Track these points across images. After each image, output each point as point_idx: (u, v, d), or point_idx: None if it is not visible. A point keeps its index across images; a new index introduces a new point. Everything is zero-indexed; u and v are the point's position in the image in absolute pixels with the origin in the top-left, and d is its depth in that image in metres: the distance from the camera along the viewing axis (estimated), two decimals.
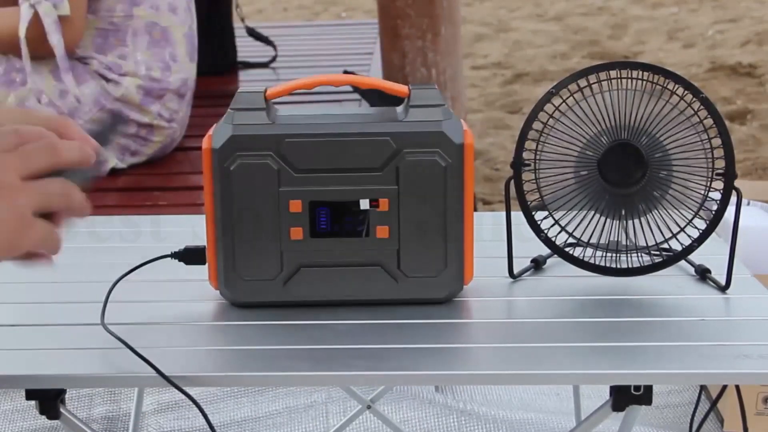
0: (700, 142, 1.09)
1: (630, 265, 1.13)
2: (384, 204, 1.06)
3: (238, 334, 1.05)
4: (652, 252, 1.13)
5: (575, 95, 1.11)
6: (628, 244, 1.12)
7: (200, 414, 1.01)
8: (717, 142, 1.09)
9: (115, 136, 0.92)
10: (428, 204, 1.06)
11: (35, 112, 0.89)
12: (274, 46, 3.40)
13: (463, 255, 1.08)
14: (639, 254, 1.13)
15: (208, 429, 1.05)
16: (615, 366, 0.97)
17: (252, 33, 3.43)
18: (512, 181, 1.13)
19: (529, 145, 1.12)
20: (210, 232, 1.07)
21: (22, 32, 2.11)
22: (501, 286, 1.16)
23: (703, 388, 1.46)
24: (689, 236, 1.11)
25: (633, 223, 1.12)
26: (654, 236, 1.11)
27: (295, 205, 1.06)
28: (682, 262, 1.17)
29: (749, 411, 1.69)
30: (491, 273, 1.16)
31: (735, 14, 6.60)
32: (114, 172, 2.30)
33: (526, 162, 1.12)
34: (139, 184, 2.29)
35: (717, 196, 1.10)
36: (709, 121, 1.09)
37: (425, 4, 3.22)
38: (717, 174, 1.09)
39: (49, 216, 0.84)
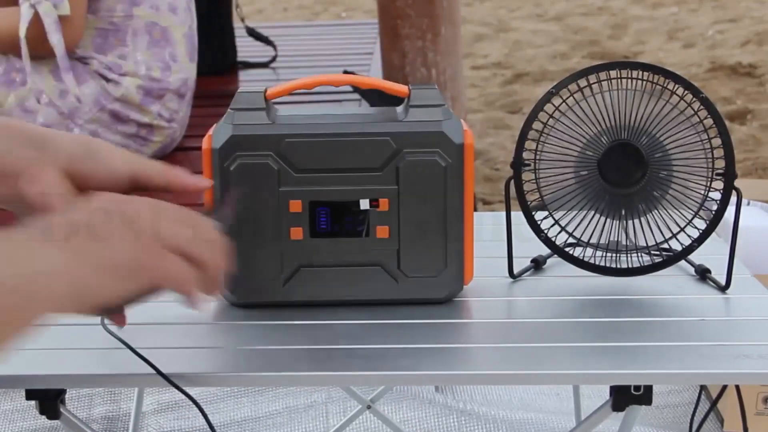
0: (700, 142, 1.09)
1: (630, 265, 1.13)
2: (384, 204, 1.06)
3: (238, 334, 1.05)
4: (652, 252, 1.13)
5: (575, 95, 1.11)
6: (628, 244, 1.12)
7: (200, 414, 1.01)
8: (717, 142, 1.09)
9: (233, 211, 0.95)
10: (428, 204, 1.06)
11: (150, 162, 0.91)
12: (274, 46, 3.40)
13: (463, 255, 1.08)
14: (639, 254, 1.13)
15: (208, 429, 1.05)
16: (615, 366, 0.97)
17: (252, 33, 3.43)
18: (512, 181, 1.13)
19: (529, 145, 1.12)
20: None
21: (22, 32, 2.11)
22: (501, 286, 1.16)
23: (703, 388, 1.46)
24: (689, 236, 1.11)
25: (633, 223, 1.11)
26: (654, 236, 1.11)
27: (295, 205, 1.06)
28: (682, 262, 1.17)
29: (749, 411, 1.69)
30: (491, 273, 1.16)
31: (735, 14, 6.60)
32: None
33: (526, 162, 1.12)
34: None
35: (717, 196, 1.10)
36: (709, 121, 1.09)
37: (425, 4, 3.22)
38: (717, 174, 1.09)
39: None
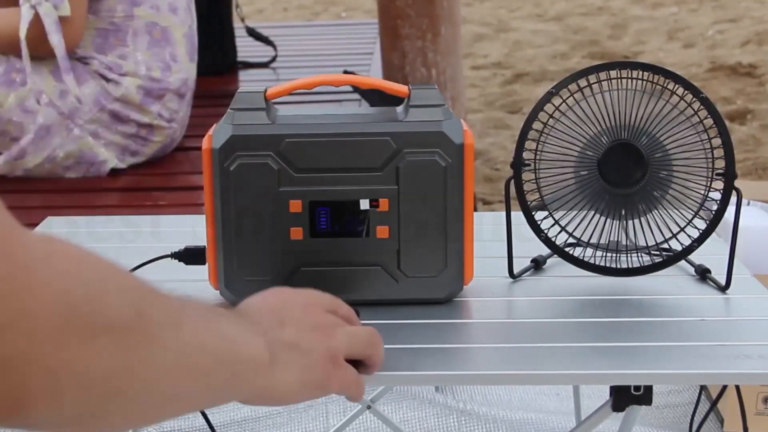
0: (700, 142, 1.09)
1: (630, 265, 1.13)
2: (384, 204, 1.06)
3: None
4: (652, 252, 1.13)
5: (575, 95, 1.11)
6: (628, 244, 1.12)
7: (200, 414, 1.01)
8: (717, 142, 1.09)
9: None
10: (428, 204, 1.06)
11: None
12: (274, 46, 3.40)
13: (463, 255, 1.08)
14: (639, 254, 1.13)
15: (208, 429, 1.05)
16: (615, 366, 0.97)
17: (252, 33, 3.43)
18: (512, 181, 1.13)
19: (529, 145, 1.12)
20: (210, 232, 1.07)
21: (22, 33, 2.11)
22: (501, 286, 1.16)
23: (703, 388, 1.46)
24: (689, 236, 1.11)
25: (633, 223, 1.11)
26: (654, 236, 1.11)
27: (295, 205, 1.06)
28: (682, 262, 1.16)
29: (749, 411, 1.68)
30: (491, 273, 1.16)
31: (735, 14, 6.60)
32: (114, 172, 2.30)
33: (526, 162, 1.12)
34: (139, 184, 2.29)
35: (717, 196, 1.10)
36: (709, 121, 1.09)
37: (425, 4, 3.22)
38: (717, 174, 1.09)
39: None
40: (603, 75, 1.10)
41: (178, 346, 0.70)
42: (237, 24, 3.34)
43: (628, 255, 1.13)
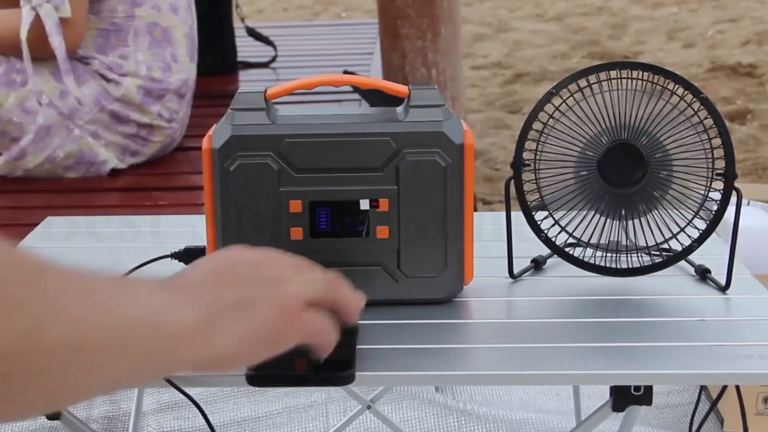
0: (700, 142, 1.09)
1: (630, 265, 1.13)
2: (384, 204, 1.06)
3: None
4: (652, 252, 1.13)
5: (575, 95, 1.11)
6: (628, 244, 1.12)
7: (200, 414, 1.01)
8: (717, 142, 1.09)
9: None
10: (428, 204, 1.06)
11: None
12: (274, 46, 3.40)
13: (463, 255, 1.08)
14: (639, 254, 1.13)
15: (208, 429, 1.05)
16: (615, 366, 0.97)
17: (252, 33, 3.43)
18: (512, 181, 1.13)
19: (529, 145, 1.12)
20: (210, 232, 1.07)
21: (23, 34, 2.11)
22: (501, 286, 1.16)
23: (703, 388, 1.46)
24: (689, 236, 1.11)
25: (633, 223, 1.11)
26: (654, 236, 1.11)
27: (295, 205, 1.06)
28: (682, 262, 1.17)
29: (749, 411, 1.69)
30: (491, 273, 1.16)
31: (735, 14, 6.60)
32: (114, 172, 2.30)
33: (526, 162, 1.12)
34: (139, 184, 2.29)
35: (717, 196, 1.10)
36: (709, 121, 1.09)
37: (425, 4, 3.22)
38: (717, 174, 1.09)
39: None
40: (603, 75, 1.10)
41: (86, 317, 0.66)
42: (237, 24, 3.34)
43: (628, 255, 1.13)
